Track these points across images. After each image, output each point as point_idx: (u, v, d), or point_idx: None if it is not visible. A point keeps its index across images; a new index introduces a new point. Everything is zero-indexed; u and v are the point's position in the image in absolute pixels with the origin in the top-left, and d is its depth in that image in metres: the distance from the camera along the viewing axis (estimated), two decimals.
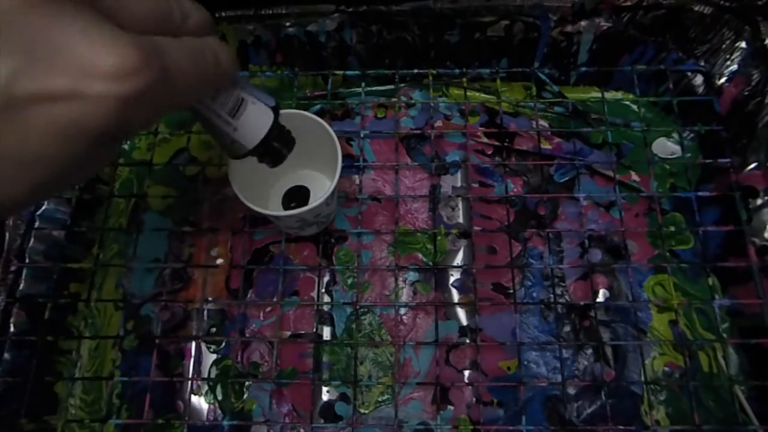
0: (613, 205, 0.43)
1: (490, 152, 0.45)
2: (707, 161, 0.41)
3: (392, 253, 0.42)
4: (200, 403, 0.39)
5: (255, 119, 0.28)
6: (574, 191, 0.43)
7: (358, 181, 0.43)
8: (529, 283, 0.41)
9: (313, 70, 0.46)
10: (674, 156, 0.44)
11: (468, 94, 0.45)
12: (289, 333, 0.40)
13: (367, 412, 0.38)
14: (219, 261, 0.43)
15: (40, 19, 0.16)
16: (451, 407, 0.38)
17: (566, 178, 0.44)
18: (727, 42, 0.42)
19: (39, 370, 0.37)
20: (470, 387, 0.38)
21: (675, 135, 0.45)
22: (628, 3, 0.42)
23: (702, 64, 0.44)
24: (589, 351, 0.39)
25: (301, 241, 0.43)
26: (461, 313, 0.40)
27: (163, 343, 0.40)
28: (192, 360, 0.40)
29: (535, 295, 0.41)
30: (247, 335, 0.40)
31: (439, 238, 0.42)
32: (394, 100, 0.46)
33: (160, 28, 0.21)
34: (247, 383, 0.39)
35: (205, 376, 0.39)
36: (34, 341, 0.37)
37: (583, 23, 0.44)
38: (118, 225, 0.44)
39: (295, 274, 0.42)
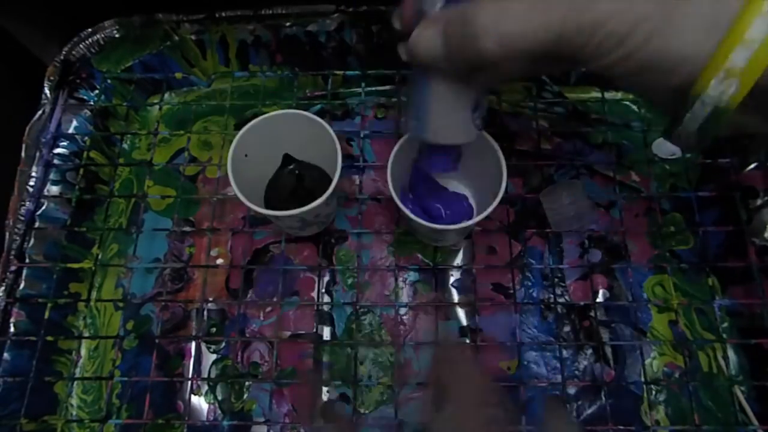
0: (613, 205, 0.43)
1: None
2: (707, 161, 0.41)
3: (392, 253, 0.42)
4: (200, 403, 0.39)
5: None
6: None
7: (358, 181, 0.43)
8: (529, 283, 0.41)
9: (313, 70, 0.46)
10: (674, 156, 0.44)
11: None
12: (289, 333, 0.40)
13: (367, 412, 0.38)
14: (219, 261, 0.43)
15: None
16: None
17: (566, 178, 0.44)
18: None
19: (39, 370, 0.37)
20: None
21: None
22: None
23: None
24: (589, 351, 0.39)
25: (301, 241, 0.43)
26: (461, 313, 0.40)
27: (163, 343, 0.40)
28: (192, 360, 0.40)
29: (535, 295, 0.41)
30: (247, 335, 0.40)
31: None
32: (394, 100, 0.46)
33: None
34: (247, 383, 0.39)
35: (205, 376, 0.39)
36: (34, 341, 0.37)
37: None
38: (118, 225, 0.44)
39: (295, 274, 0.42)
